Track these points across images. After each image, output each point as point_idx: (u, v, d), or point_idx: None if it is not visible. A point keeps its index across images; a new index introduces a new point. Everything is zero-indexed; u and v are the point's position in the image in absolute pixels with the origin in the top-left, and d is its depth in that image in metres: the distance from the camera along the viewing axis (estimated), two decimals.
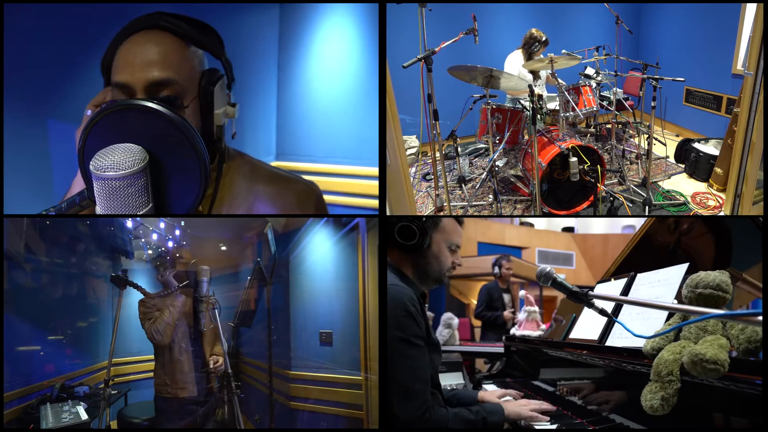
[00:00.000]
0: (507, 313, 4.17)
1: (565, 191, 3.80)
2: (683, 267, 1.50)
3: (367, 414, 2.52)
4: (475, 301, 5.90)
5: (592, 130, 4.68)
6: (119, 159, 1.17)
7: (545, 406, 1.60)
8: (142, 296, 2.86)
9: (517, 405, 1.59)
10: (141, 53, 1.32)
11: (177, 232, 3.08)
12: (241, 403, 2.76)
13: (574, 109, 3.88)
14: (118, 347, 3.82)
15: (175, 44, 1.35)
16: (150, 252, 3.23)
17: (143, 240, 3.21)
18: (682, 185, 4.35)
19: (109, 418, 3.06)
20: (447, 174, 3.80)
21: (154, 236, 3.07)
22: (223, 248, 3.74)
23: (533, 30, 4.51)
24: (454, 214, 3.93)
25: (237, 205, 1.51)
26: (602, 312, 1.28)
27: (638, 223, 4.98)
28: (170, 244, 3.03)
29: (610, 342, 1.57)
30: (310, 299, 3.03)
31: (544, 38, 4.47)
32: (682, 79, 3.75)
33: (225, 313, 3.34)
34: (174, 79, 1.32)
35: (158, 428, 2.95)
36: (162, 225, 3.02)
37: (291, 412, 2.97)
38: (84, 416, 2.41)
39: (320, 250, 2.94)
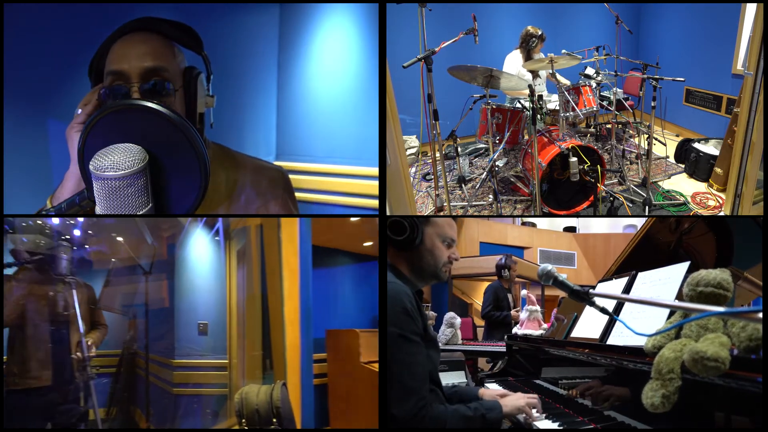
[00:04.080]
0: (515, 313, 4.17)
1: (565, 191, 3.80)
2: (684, 266, 1.50)
3: (230, 391, 3.04)
4: (477, 301, 5.90)
5: (592, 130, 4.68)
6: (119, 159, 1.17)
7: (536, 399, 1.59)
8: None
9: (513, 398, 1.59)
10: (134, 47, 1.43)
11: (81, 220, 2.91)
12: (132, 393, 3.05)
13: (574, 109, 3.88)
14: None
15: (162, 42, 1.48)
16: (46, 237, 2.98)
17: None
18: (682, 185, 4.34)
19: None
20: (447, 174, 3.80)
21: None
22: (119, 239, 3.66)
23: (529, 27, 4.51)
24: (454, 214, 3.93)
25: (219, 194, 1.58)
26: (603, 310, 1.28)
27: (640, 222, 4.97)
28: (76, 232, 2.86)
29: (612, 341, 1.57)
30: (191, 293, 3.36)
31: (540, 33, 4.47)
32: (682, 79, 3.75)
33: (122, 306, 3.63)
34: (165, 68, 1.44)
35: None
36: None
37: (175, 398, 3.27)
38: None
39: (199, 248, 3.27)
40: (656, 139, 4.40)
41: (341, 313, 4.16)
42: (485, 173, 4.01)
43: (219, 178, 1.59)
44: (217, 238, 3.18)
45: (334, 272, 4.18)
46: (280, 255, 2.90)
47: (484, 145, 4.75)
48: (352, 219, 3.58)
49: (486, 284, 4.65)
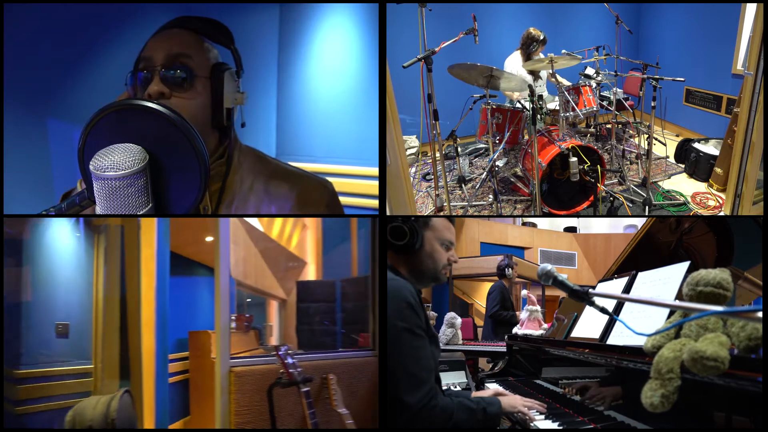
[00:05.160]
0: (517, 313, 4.17)
1: (565, 191, 3.80)
2: (684, 265, 1.50)
3: None
4: (478, 301, 5.90)
5: (592, 130, 4.68)
6: (119, 159, 1.17)
7: (537, 404, 1.63)
8: None
9: (512, 398, 1.64)
10: (164, 40, 1.51)
11: None
12: None
13: (574, 109, 3.88)
14: None
15: (192, 37, 1.54)
16: None
17: None
18: (682, 185, 4.34)
19: None
20: (447, 174, 3.80)
21: None
22: None
23: (531, 29, 4.51)
24: (454, 214, 3.93)
25: (245, 202, 1.56)
26: (603, 310, 1.28)
27: (640, 222, 4.97)
28: None
29: (611, 340, 1.57)
30: (47, 288, 2.92)
31: (542, 37, 4.47)
32: (682, 79, 3.75)
33: None
34: (189, 54, 1.49)
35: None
36: None
37: (18, 419, 2.64)
38: None
39: (61, 240, 2.96)
40: (656, 139, 4.40)
41: (201, 316, 4.33)
42: (485, 173, 4.01)
43: (248, 186, 1.58)
44: (78, 225, 2.83)
45: (195, 281, 4.33)
46: (139, 258, 2.90)
47: (484, 145, 4.75)
48: (207, 239, 3.57)
49: (487, 284, 4.65)
